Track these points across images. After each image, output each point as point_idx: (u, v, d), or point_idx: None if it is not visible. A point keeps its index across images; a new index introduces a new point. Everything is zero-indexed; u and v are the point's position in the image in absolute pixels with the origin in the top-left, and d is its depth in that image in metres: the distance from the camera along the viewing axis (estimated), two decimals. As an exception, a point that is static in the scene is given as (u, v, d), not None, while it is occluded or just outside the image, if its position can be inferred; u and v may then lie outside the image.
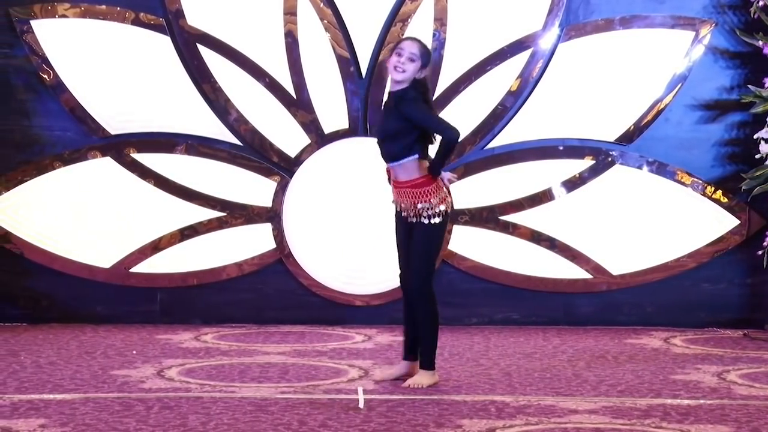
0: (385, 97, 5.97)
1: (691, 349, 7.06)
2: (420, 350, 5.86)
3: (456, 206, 7.83)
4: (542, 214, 7.89)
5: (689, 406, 5.36)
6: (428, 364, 5.82)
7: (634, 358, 6.71)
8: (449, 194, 5.83)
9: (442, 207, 5.73)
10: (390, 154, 5.75)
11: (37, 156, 7.84)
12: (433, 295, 5.82)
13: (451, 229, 7.83)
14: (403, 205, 5.78)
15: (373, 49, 7.82)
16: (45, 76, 7.76)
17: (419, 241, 5.75)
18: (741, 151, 7.80)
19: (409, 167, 5.72)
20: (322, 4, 7.79)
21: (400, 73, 5.69)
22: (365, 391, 5.59)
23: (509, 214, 7.90)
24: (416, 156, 5.71)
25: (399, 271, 5.94)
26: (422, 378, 5.79)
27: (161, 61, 7.80)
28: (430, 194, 5.70)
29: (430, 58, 5.88)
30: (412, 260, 5.78)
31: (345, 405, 5.32)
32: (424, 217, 5.71)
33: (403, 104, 5.69)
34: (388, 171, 5.84)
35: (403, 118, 5.68)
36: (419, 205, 5.71)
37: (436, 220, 5.72)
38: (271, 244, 7.91)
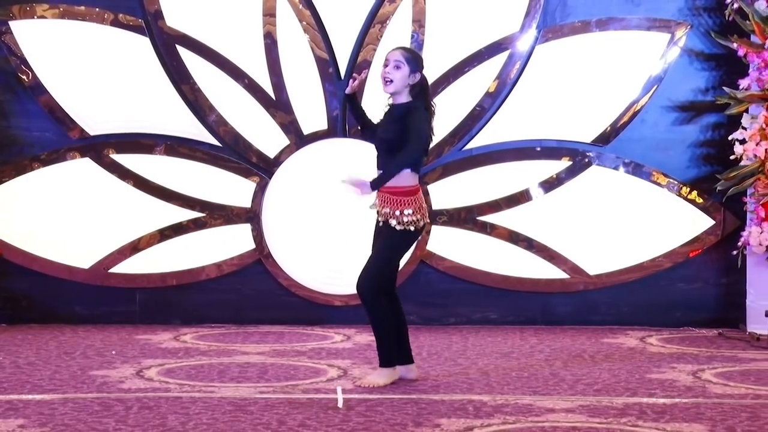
0: (386, 109, 5.88)
1: (666, 348, 7.10)
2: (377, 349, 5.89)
3: (434, 207, 7.89)
4: (520, 215, 7.94)
5: (665, 405, 5.39)
6: (385, 362, 5.85)
7: (610, 358, 6.75)
8: (425, 213, 5.79)
9: (415, 218, 5.72)
10: (384, 163, 5.75)
11: (15, 157, 7.84)
12: (384, 296, 5.79)
13: (430, 229, 7.87)
14: (379, 210, 5.81)
15: (351, 50, 7.85)
16: (24, 77, 7.76)
17: (382, 243, 5.78)
18: (716, 152, 7.86)
19: (398, 176, 5.73)
20: (301, 6, 7.82)
21: (388, 83, 5.72)
22: (344, 391, 5.60)
23: (487, 214, 7.94)
24: (407, 169, 5.72)
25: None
26: (376, 377, 5.82)
27: (140, 62, 7.80)
28: (407, 204, 5.71)
29: (421, 63, 5.81)
30: (369, 259, 5.80)
31: (324, 404, 5.33)
32: (395, 222, 5.72)
33: (407, 113, 5.68)
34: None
35: (399, 127, 5.68)
36: (393, 211, 5.72)
37: (406, 228, 5.72)
38: (250, 245, 7.93)
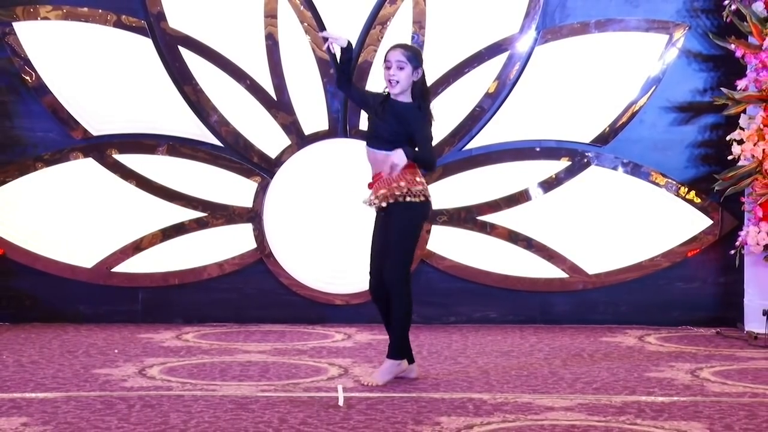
0: (382, 100, 5.87)
1: (665, 347, 7.13)
2: (390, 339, 5.90)
3: (434, 206, 7.89)
4: (519, 215, 7.97)
5: (663, 403, 5.42)
6: (396, 354, 5.87)
7: (609, 356, 6.78)
8: (424, 186, 5.79)
9: (420, 188, 5.73)
10: (376, 147, 5.80)
11: (19, 157, 7.88)
12: (410, 287, 5.82)
13: (430, 229, 7.91)
14: (380, 195, 5.75)
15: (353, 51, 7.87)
16: (27, 78, 7.79)
17: (397, 227, 5.74)
18: (714, 153, 7.90)
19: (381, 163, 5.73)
20: (302, 7, 7.86)
21: (395, 85, 5.74)
22: (345, 389, 5.64)
23: (487, 214, 7.98)
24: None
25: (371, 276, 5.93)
26: (379, 375, 5.82)
27: (143, 63, 7.84)
28: (404, 177, 5.70)
29: (421, 58, 5.83)
30: (389, 249, 5.76)
31: (325, 403, 5.36)
32: (402, 197, 5.69)
33: (411, 116, 5.72)
34: (370, 186, 5.87)
35: (402, 125, 5.70)
36: (395, 185, 5.70)
37: (415, 199, 5.71)
38: (251, 244, 7.97)
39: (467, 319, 8.02)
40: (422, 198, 5.77)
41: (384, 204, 5.78)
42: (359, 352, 6.82)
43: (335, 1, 7.88)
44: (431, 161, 5.79)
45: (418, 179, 5.76)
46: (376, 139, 5.81)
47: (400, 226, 5.77)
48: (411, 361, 6.00)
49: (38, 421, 4.94)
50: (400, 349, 5.88)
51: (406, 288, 5.80)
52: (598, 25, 7.90)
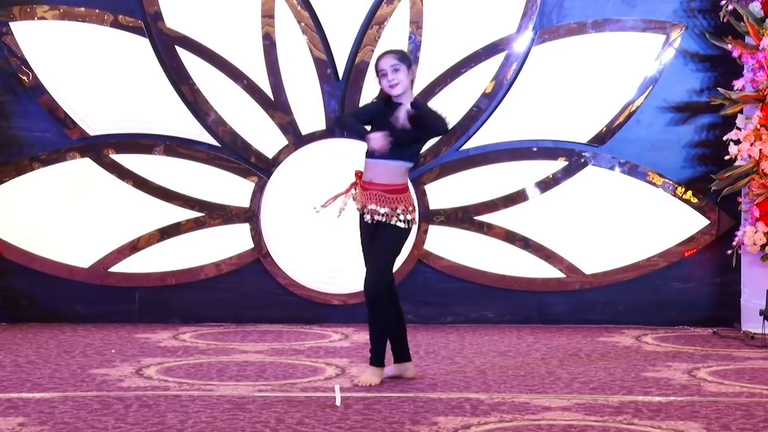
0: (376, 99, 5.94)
1: (662, 347, 7.15)
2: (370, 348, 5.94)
3: (431, 207, 7.94)
4: (516, 215, 7.98)
5: (660, 403, 5.43)
6: (377, 362, 5.88)
7: (606, 356, 6.79)
8: (416, 208, 5.91)
9: (413, 216, 5.83)
10: (388, 154, 5.79)
11: (16, 157, 7.88)
12: (395, 295, 5.89)
13: (427, 228, 7.92)
14: (371, 208, 5.80)
15: (350, 51, 7.89)
16: (24, 78, 7.79)
17: (387, 241, 5.81)
18: (711, 153, 7.91)
19: (397, 171, 5.77)
20: (299, 7, 7.86)
21: (397, 87, 5.79)
22: (342, 389, 5.65)
23: (484, 214, 7.98)
24: (411, 164, 5.83)
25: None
26: (370, 376, 5.86)
27: (140, 63, 7.84)
28: (404, 201, 5.78)
29: (411, 57, 5.95)
30: (376, 259, 5.82)
31: (322, 403, 5.37)
32: (397, 220, 5.77)
33: (419, 106, 5.80)
34: (357, 174, 5.90)
35: (416, 126, 5.73)
36: (393, 209, 5.76)
37: (404, 225, 5.78)
38: (248, 244, 7.97)
39: (464, 318, 8.03)
40: (411, 224, 5.84)
41: (375, 219, 5.80)
42: (356, 352, 6.83)
43: (332, 0, 7.88)
44: (443, 122, 5.80)
45: (412, 207, 5.84)
46: (394, 144, 5.80)
47: (388, 242, 5.82)
48: (408, 360, 6.01)
49: (35, 421, 4.93)
50: (379, 356, 5.89)
51: (385, 299, 5.82)
52: (595, 25, 7.91)
